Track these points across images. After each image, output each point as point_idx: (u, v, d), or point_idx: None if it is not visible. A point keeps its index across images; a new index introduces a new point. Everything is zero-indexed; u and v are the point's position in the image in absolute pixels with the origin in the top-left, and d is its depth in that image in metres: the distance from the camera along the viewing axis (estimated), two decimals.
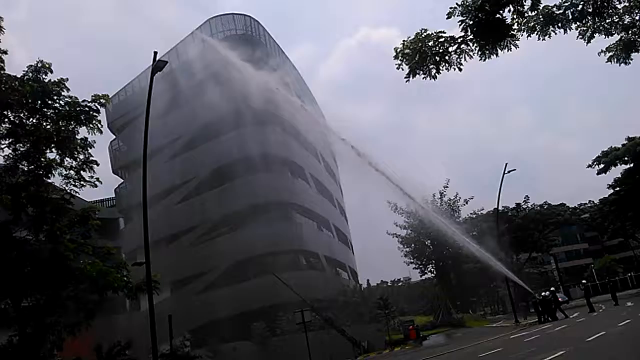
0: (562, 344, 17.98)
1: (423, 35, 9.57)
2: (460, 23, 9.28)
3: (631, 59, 10.97)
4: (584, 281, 50.58)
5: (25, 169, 18.54)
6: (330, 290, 49.26)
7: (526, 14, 9.56)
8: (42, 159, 18.62)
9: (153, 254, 19.07)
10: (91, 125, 19.27)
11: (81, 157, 19.15)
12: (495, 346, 23.27)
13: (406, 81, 9.87)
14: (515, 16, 9.51)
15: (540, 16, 9.60)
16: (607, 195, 56.98)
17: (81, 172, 19.19)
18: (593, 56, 11.56)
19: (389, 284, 78.40)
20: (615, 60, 11.00)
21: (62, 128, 18.73)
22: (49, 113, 18.57)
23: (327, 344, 38.51)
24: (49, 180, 19.05)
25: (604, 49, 11.05)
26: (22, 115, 18.26)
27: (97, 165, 19.65)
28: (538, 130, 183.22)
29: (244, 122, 47.94)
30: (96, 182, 19.65)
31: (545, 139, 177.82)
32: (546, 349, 17.27)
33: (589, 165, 55.61)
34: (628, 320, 23.20)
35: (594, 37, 10.21)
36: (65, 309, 18.99)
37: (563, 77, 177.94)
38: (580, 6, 9.63)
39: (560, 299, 55.06)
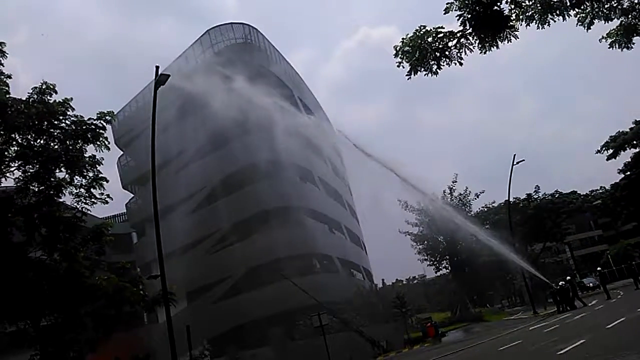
0: (582, 333, 17.85)
1: (422, 32, 9.59)
2: (458, 17, 9.29)
3: (633, 44, 10.89)
4: (599, 268, 50.20)
5: (36, 190, 18.74)
6: (346, 292, 49.14)
7: (524, 4, 9.55)
8: (52, 179, 18.82)
9: (167, 266, 19.13)
10: (98, 143, 19.49)
11: (90, 174, 19.38)
12: (514, 338, 23.13)
13: (408, 78, 9.89)
14: (512, 7, 9.50)
15: (538, 5, 9.58)
16: (618, 180, 56.58)
17: (91, 189, 19.39)
18: (595, 42, 11.52)
19: (404, 282, 78.06)
20: (617, 45, 10.93)
21: (70, 147, 18.94)
22: (55, 133, 18.79)
23: (345, 346, 38.42)
24: (60, 200, 19.26)
25: (605, 35, 10.98)
26: (29, 137, 18.49)
27: (107, 181, 19.88)
28: (544, 119, 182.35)
29: (251, 130, 48.08)
30: (107, 199, 19.85)
31: (552, 127, 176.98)
32: (566, 338, 17.14)
33: (598, 151, 55.34)
34: None
35: (594, 23, 10.16)
36: (84, 325, 19.15)
37: (566, 64, 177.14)
38: None
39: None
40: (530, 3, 9.48)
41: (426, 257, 57.48)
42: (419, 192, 46.62)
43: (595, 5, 9.94)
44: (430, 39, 9.55)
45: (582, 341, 15.45)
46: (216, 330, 45.34)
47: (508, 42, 9.64)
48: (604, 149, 54.56)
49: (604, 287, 39.16)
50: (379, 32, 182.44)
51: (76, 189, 19.24)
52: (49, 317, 18.77)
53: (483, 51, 9.66)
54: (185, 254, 50.01)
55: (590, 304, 35.07)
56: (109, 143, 20.08)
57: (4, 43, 18.06)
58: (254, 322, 44.01)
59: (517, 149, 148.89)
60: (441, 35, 9.56)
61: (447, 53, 9.67)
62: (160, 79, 19.41)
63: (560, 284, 36.37)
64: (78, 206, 19.26)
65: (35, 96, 18.47)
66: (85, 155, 19.40)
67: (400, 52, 9.65)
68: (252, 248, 47.32)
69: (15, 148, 18.37)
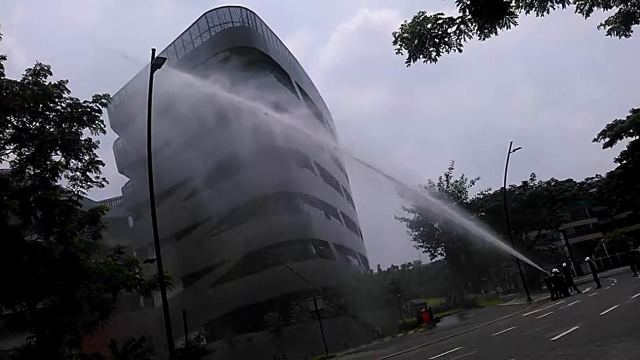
0: (576, 320, 18.00)
1: (421, 18, 9.51)
2: (457, 3, 9.20)
3: (631, 31, 10.84)
4: (587, 257, 50.49)
5: (32, 173, 18.64)
6: (342, 278, 49.42)
7: None
8: (48, 162, 18.71)
9: (163, 250, 19.16)
10: (94, 126, 19.36)
11: (86, 158, 19.28)
12: (508, 324, 23.32)
13: (407, 65, 9.83)
14: None
15: None
16: (614, 169, 56.66)
17: (87, 173, 19.30)
18: (596, 30, 11.46)
19: (399, 268, 78.34)
20: (615, 33, 10.88)
21: (66, 130, 18.81)
22: (51, 116, 18.66)
23: (341, 331, 38.73)
24: (56, 183, 19.18)
25: (603, 22, 10.92)
26: (24, 119, 18.35)
27: (103, 165, 19.79)
28: (543, 106, 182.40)
29: (247, 115, 47.85)
30: (103, 182, 19.79)
31: (550, 115, 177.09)
32: (560, 325, 17.29)
33: (595, 139, 55.28)
34: None
35: (593, 10, 10.10)
36: (80, 308, 19.19)
37: (567, 52, 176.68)
38: None
39: None
40: None
41: (422, 244, 57.70)
42: (412, 191, 47.33)
43: None
44: (429, 26, 9.47)
45: (575, 328, 15.58)
46: (212, 315, 45.57)
47: (507, 29, 9.57)
48: (600, 137, 54.52)
49: (595, 276, 39.40)
50: (379, 15, 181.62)
51: (72, 172, 19.15)
52: (45, 300, 18.79)
53: (482, 38, 9.59)
54: (181, 239, 50.14)
55: (584, 291, 35.36)
56: (104, 126, 19.95)
57: None
58: (250, 307, 44.24)
59: (516, 137, 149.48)
60: (440, 21, 9.48)
61: (446, 40, 9.60)
62: (157, 62, 19.29)
63: (554, 271, 36.60)
64: (74, 190, 19.17)
65: (30, 78, 18.29)
66: (81, 138, 19.29)
67: (399, 39, 9.58)
68: (249, 233, 47.37)
69: (11, 131, 18.24)
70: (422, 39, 9.47)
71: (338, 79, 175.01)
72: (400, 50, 9.68)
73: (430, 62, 9.75)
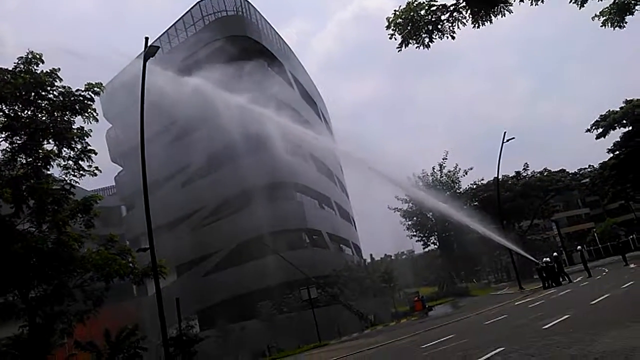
0: (567, 308, 18.10)
1: (415, 4, 9.46)
2: None
3: (625, 22, 10.82)
4: (579, 247, 50.82)
5: (24, 162, 18.54)
6: (335, 267, 49.52)
7: None
8: (40, 151, 18.61)
9: (157, 239, 19.09)
10: (86, 115, 19.24)
11: (79, 146, 19.19)
12: (500, 313, 23.47)
13: (398, 50, 9.78)
14: None
15: None
16: (606, 160, 56.85)
17: (80, 161, 19.22)
18: (589, 20, 11.42)
19: (392, 257, 78.64)
20: (610, 24, 10.85)
21: (58, 119, 18.69)
22: (43, 104, 18.53)
23: (334, 319, 38.87)
24: (48, 172, 19.09)
25: (598, 13, 10.90)
26: (16, 107, 18.20)
27: (95, 154, 19.70)
28: (537, 97, 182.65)
29: (241, 105, 47.66)
30: (95, 171, 19.70)
31: (544, 105, 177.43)
32: (551, 313, 17.38)
33: (588, 130, 55.33)
34: (631, 282, 23.28)
35: (587, 0, 10.07)
36: (73, 297, 19.20)
37: (562, 42, 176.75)
38: None
39: None
40: None
41: (415, 233, 57.98)
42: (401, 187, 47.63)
43: None
44: (423, 12, 9.43)
45: (566, 316, 15.67)
46: (205, 303, 45.63)
47: (502, 17, 9.53)
48: (593, 127, 54.59)
49: (585, 265, 39.64)
50: (375, 2, 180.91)
51: (64, 161, 19.08)
52: (38, 288, 18.76)
53: (476, 25, 9.56)
54: (174, 228, 50.00)
55: (575, 281, 35.59)
56: (97, 115, 19.84)
57: None
58: (243, 296, 44.31)
59: (510, 127, 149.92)
60: (434, 8, 9.44)
61: (439, 27, 9.57)
62: (150, 51, 19.10)
63: (545, 260, 36.80)
64: (66, 178, 19.11)
65: (22, 66, 18.14)
66: (73, 127, 19.18)
67: (392, 24, 9.53)
68: (242, 222, 47.35)
69: (2, 119, 18.11)
70: (415, 25, 9.43)
71: (332, 67, 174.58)
72: (394, 36, 9.64)
73: (423, 48, 9.72)
